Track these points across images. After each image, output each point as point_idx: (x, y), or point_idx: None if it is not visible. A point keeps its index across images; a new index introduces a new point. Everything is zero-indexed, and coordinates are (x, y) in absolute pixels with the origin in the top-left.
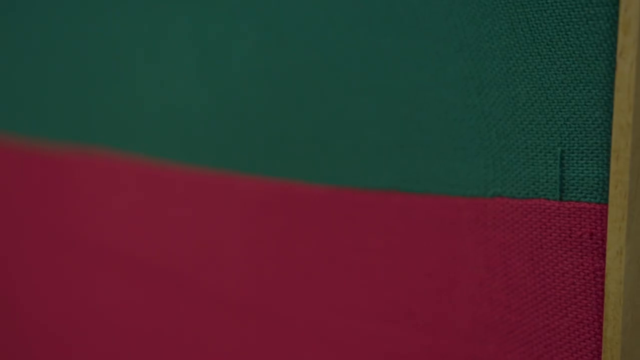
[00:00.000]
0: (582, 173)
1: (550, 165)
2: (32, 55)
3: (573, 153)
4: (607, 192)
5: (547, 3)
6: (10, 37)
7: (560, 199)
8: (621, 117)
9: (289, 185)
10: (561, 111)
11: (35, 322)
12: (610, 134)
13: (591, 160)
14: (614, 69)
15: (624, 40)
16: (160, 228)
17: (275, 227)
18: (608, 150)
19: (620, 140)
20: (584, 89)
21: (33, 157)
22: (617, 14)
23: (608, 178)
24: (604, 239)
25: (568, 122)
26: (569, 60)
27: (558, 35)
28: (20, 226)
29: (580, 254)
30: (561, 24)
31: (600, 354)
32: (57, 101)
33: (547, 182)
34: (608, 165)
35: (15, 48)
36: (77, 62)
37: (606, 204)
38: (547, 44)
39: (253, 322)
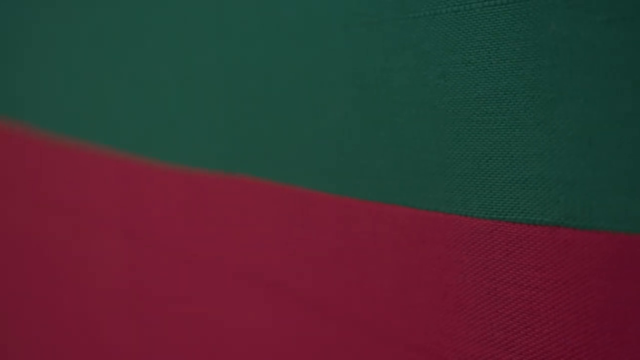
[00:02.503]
0: None
1: None
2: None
3: None
4: None
5: None
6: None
7: None
8: None
9: (446, 216)
10: None
11: (173, 345)
12: None
13: None
14: None
15: None
16: (311, 257)
17: (430, 258)
18: None
19: None
20: None
21: (174, 178)
22: None
23: None
24: None
25: None
26: None
27: None
28: (158, 246)
29: None
30: None
31: None
32: (204, 128)
33: None
34: None
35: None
36: (223, 92)
37: None
38: None
39: (406, 356)
